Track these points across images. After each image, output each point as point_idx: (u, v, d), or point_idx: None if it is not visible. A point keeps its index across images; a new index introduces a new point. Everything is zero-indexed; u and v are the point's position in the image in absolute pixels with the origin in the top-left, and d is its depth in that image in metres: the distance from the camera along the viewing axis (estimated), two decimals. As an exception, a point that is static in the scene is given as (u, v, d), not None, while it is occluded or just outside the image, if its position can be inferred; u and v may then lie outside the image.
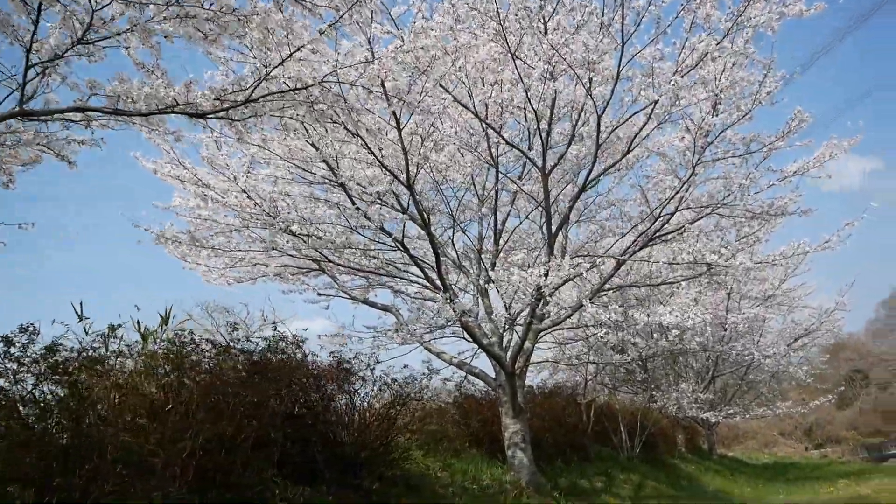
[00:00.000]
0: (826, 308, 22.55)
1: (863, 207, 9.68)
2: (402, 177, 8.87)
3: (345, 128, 8.46)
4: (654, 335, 17.92)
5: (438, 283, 10.00)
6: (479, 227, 12.42)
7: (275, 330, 8.36)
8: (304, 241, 8.92)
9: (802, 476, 26.74)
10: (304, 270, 12.11)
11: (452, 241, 12.05)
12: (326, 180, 9.80)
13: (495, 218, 11.49)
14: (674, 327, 10.36)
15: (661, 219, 11.31)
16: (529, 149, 10.69)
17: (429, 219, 9.54)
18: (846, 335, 57.09)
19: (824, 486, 20.56)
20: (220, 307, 17.58)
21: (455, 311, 9.60)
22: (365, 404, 9.41)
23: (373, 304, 12.52)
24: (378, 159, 8.83)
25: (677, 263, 10.58)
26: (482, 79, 9.27)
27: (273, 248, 9.72)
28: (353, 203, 9.32)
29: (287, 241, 9.72)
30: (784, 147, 10.10)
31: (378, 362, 9.35)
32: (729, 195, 10.87)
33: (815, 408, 25.57)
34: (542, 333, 11.99)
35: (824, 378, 33.79)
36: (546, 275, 9.19)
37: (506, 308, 11.08)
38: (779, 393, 28.93)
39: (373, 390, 9.20)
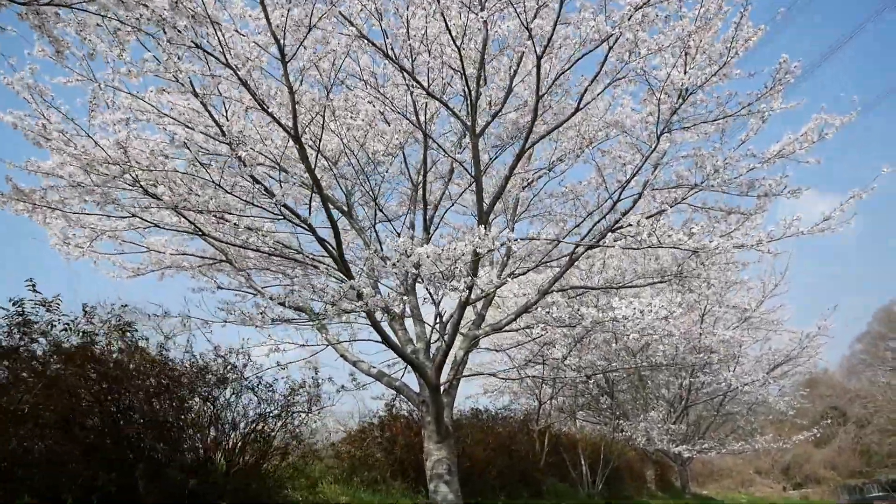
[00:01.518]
0: (807, 333, 20.64)
1: (829, 243, 7.74)
2: (289, 123, 6.82)
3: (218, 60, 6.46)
4: (615, 346, 15.87)
5: (346, 269, 7.89)
6: (407, 212, 10.37)
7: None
8: (157, 197, 6.76)
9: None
10: (210, 262, 9.94)
11: (374, 226, 9.98)
12: (212, 138, 7.71)
13: (424, 200, 9.42)
14: (634, 330, 8.32)
15: (621, 203, 9.36)
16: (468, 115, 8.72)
17: (347, 199, 7.45)
18: (821, 371, 55.70)
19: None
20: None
21: (366, 303, 7.48)
22: (234, 416, 7.23)
23: (293, 307, 10.35)
24: (257, 101, 6.80)
25: (637, 248, 8.60)
26: (396, 8, 7.30)
27: (131, 215, 7.56)
28: (244, 164, 7.22)
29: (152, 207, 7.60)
30: (767, 112, 8.21)
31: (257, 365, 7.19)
32: (704, 181, 8.97)
33: (796, 444, 23.53)
34: (477, 339, 9.89)
35: (802, 413, 31.92)
36: (476, 255, 7.15)
37: (434, 303, 8.97)
38: (757, 427, 26.84)
39: (239, 399, 7.03)
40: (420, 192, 9.67)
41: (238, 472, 6.89)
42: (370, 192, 9.60)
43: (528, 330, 12.36)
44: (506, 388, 18.41)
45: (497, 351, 12.47)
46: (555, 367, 13.14)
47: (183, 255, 9.23)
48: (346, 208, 10.04)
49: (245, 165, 6.61)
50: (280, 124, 6.87)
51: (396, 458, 10.65)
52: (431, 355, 9.53)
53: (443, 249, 6.30)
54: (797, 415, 29.35)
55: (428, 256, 6.06)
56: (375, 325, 8.00)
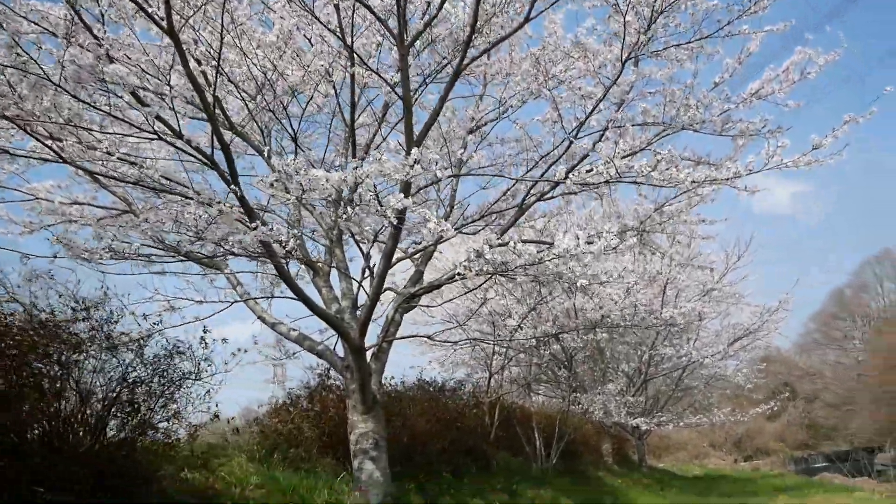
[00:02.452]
0: (768, 307, 19.76)
1: (793, 227, 6.54)
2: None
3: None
4: (575, 320, 14.71)
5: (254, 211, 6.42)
6: (344, 162, 8.90)
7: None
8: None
9: (737, 490, 23.89)
10: (115, 214, 8.34)
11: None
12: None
13: (352, 135, 7.95)
14: (583, 276, 6.99)
15: (580, 146, 8.05)
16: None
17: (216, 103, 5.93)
18: (775, 349, 55.93)
19: (762, 501, 17.63)
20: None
21: (259, 240, 6.05)
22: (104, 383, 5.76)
23: (197, 260, 8.83)
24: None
25: (598, 193, 7.34)
26: None
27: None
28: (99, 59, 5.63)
29: None
30: (749, 32, 6.92)
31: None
32: (673, 120, 7.67)
33: (752, 418, 22.80)
34: (412, 299, 8.54)
35: (757, 388, 31.39)
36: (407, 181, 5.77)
37: (362, 253, 7.59)
38: (714, 401, 26.13)
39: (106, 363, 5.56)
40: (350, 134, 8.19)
41: (102, 450, 5.45)
42: (289, 130, 8.07)
43: (475, 293, 11.10)
44: (460, 361, 17.18)
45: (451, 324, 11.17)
46: (506, 337, 11.89)
47: (76, 203, 7.61)
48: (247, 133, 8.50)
49: (99, 60, 5.06)
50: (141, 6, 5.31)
51: (325, 433, 9.28)
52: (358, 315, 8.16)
53: (348, 175, 4.89)
54: (753, 390, 28.80)
55: (327, 181, 4.63)
56: (283, 275, 6.57)
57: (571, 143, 7.71)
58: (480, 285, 9.97)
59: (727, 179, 6.27)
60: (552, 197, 8.49)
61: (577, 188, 8.21)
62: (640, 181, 6.65)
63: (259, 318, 8.54)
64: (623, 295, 17.09)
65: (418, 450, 10.42)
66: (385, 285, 8.26)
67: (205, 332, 6.38)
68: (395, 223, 6.61)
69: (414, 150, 5.40)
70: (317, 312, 7.03)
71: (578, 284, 5.73)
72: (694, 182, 6.24)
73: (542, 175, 8.20)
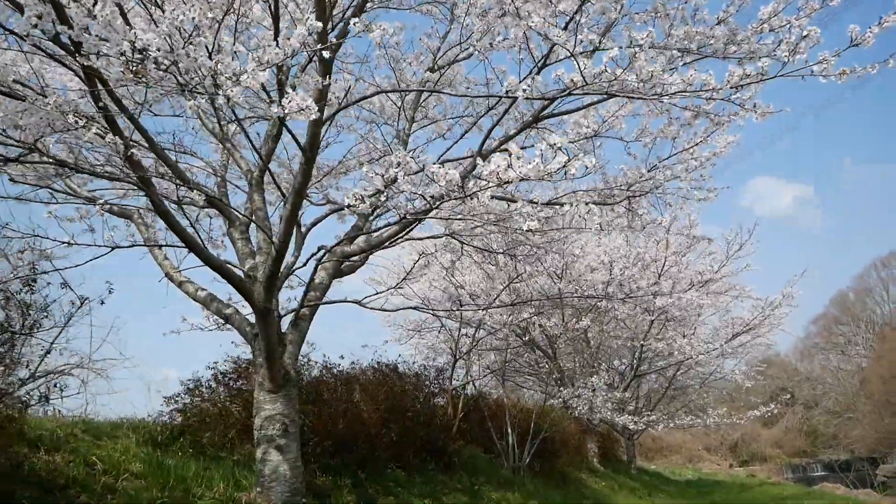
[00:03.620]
0: (771, 300, 18.30)
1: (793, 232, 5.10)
2: None
3: None
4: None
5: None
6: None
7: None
8: None
9: (731, 498, 22.52)
10: None
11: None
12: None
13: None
14: (535, 216, 5.54)
15: (549, 74, 6.59)
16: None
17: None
18: (773, 354, 54.54)
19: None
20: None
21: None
22: None
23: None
24: None
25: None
26: None
27: None
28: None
29: None
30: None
31: None
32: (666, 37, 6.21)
33: (749, 421, 21.44)
34: (350, 262, 7.10)
35: (755, 391, 29.99)
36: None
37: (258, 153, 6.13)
38: (709, 402, 24.72)
39: None
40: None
41: None
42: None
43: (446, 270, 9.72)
44: (433, 346, 15.79)
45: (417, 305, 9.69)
46: (452, 308, 10.45)
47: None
48: None
49: None
50: None
51: (243, 417, 7.87)
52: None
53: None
54: (750, 392, 27.38)
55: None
56: (159, 209, 5.13)
57: (540, 70, 6.27)
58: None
59: (732, 87, 4.79)
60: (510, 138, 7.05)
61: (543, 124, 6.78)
62: (613, 91, 5.22)
63: (165, 274, 7.13)
64: (606, 269, 15.66)
65: (360, 441, 9.02)
66: (312, 242, 6.86)
67: (34, 278, 4.98)
68: (306, 150, 5.18)
69: None
70: (208, 261, 5.62)
71: (525, 227, 4.32)
72: (685, 90, 4.77)
73: (505, 111, 6.76)
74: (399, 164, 4.19)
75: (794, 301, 18.58)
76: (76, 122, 3.95)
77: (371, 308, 6.50)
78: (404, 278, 6.31)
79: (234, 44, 3.60)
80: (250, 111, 7.57)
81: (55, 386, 6.03)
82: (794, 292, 18.07)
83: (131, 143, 5.30)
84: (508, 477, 12.29)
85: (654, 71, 4.44)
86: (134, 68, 3.47)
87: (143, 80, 4.07)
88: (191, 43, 3.35)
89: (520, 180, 3.87)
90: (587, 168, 3.89)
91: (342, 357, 9.99)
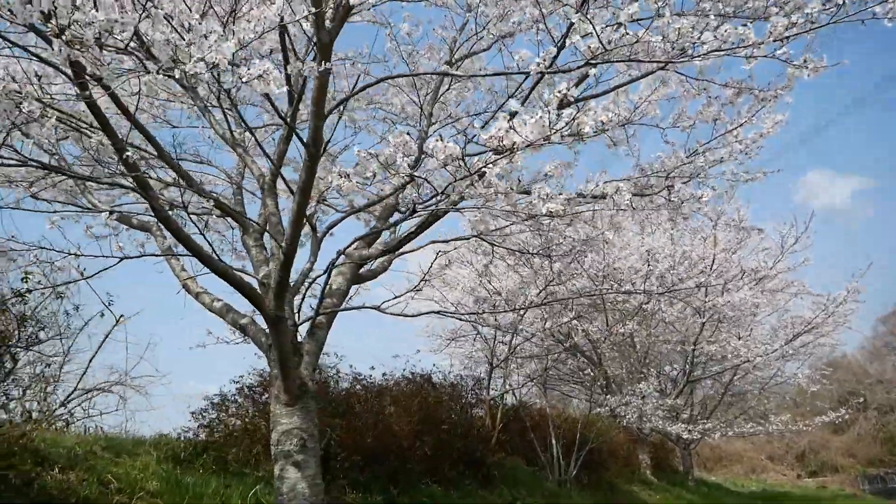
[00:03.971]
0: (834, 296, 17.29)
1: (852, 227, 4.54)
2: None
3: None
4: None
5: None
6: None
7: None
8: None
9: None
10: None
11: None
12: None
13: None
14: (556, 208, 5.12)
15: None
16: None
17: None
18: (840, 356, 52.07)
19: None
20: None
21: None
22: None
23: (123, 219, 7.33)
24: None
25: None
26: None
27: None
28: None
29: None
30: None
31: None
32: None
33: (815, 427, 20.33)
34: (368, 264, 6.82)
35: (821, 396, 28.59)
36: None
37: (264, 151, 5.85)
38: (771, 408, 23.56)
39: None
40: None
41: None
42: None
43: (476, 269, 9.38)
44: (477, 357, 15.38)
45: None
46: (481, 311, 10.05)
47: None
48: None
49: None
50: None
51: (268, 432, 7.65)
52: (293, 281, 6.52)
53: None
54: (816, 397, 25.99)
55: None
56: (161, 217, 4.93)
57: (559, 50, 5.89)
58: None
59: (776, 41, 4.21)
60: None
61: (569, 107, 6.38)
62: (638, 58, 4.79)
63: (182, 285, 6.99)
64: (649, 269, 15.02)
65: (392, 455, 8.71)
66: (340, 251, 6.63)
67: (26, 288, 4.83)
68: (310, 145, 4.93)
69: None
70: (216, 269, 5.41)
71: (545, 210, 3.95)
72: (719, 48, 4.22)
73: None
74: (396, 145, 3.89)
75: (861, 296, 17.55)
76: (41, 113, 3.75)
77: (391, 313, 6.18)
78: (423, 279, 5.99)
79: (202, 21, 3.35)
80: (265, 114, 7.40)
81: (89, 404, 5.84)
82: (860, 287, 17.04)
83: (127, 144, 5.14)
84: (553, 490, 11.79)
85: (682, 28, 4.00)
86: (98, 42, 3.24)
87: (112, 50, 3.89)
88: (148, 16, 3.11)
89: (526, 146, 3.51)
90: (602, 123, 3.50)
91: (373, 368, 9.73)
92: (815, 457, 46.57)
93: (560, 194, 4.23)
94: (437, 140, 3.71)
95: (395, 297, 6.18)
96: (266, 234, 6.54)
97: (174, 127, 8.28)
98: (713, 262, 17.02)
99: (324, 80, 4.65)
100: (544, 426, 12.41)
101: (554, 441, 12.28)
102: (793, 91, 6.85)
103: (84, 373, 10.37)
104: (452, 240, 8.19)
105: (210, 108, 6.80)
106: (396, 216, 6.87)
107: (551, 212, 3.98)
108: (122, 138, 4.79)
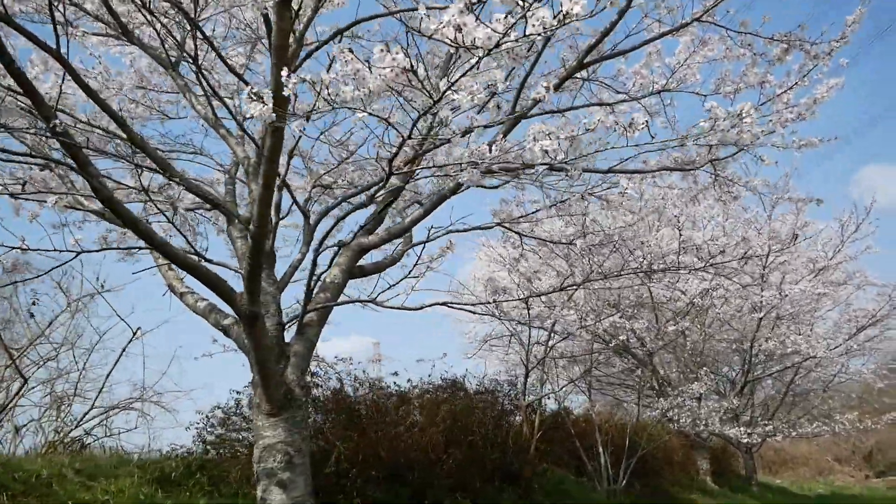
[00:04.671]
0: (901, 285, 15.49)
1: None
2: None
3: None
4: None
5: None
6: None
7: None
8: None
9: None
10: None
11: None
12: None
13: None
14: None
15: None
16: None
17: None
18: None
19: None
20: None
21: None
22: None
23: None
24: None
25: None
26: None
27: None
28: None
29: None
30: None
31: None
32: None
33: (885, 425, 18.31)
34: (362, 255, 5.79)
35: (888, 393, 26.22)
36: None
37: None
38: (836, 408, 21.52)
39: None
40: None
41: None
42: None
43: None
44: (513, 360, 14.19)
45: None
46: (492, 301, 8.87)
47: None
48: None
49: None
50: None
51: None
52: (282, 275, 5.55)
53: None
54: (883, 394, 23.77)
55: None
56: (105, 199, 4.04)
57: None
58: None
59: None
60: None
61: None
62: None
63: (168, 285, 6.11)
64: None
65: (416, 469, 7.63)
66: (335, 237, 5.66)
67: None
68: (275, 115, 3.96)
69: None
70: (175, 258, 4.48)
71: (538, 151, 2.86)
72: None
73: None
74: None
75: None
76: None
77: (388, 307, 5.16)
78: (416, 263, 4.91)
79: None
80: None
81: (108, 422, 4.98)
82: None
83: (101, 130, 4.29)
84: (602, 501, 10.51)
85: None
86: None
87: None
88: None
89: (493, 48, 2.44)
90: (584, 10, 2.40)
91: (396, 374, 8.69)
92: (883, 456, 43.42)
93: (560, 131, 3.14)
94: (381, 50, 2.66)
95: (390, 286, 5.13)
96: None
97: (170, 118, 7.47)
98: (768, 254, 15.46)
99: (283, 19, 3.68)
100: (591, 433, 11.14)
101: (601, 449, 11.01)
102: (849, 55, 5.58)
103: (101, 389, 9.66)
104: (472, 228, 7.13)
105: (190, 85, 5.93)
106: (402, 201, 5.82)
107: (548, 153, 2.87)
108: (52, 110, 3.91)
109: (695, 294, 14.03)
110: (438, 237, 6.46)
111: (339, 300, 5.34)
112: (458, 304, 4.89)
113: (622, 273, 6.69)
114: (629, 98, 6.47)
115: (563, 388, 10.38)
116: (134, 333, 9.96)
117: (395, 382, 8.52)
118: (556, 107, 5.64)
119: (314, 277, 5.11)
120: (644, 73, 6.53)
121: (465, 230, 7.11)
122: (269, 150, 4.13)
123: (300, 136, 5.83)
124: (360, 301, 5.22)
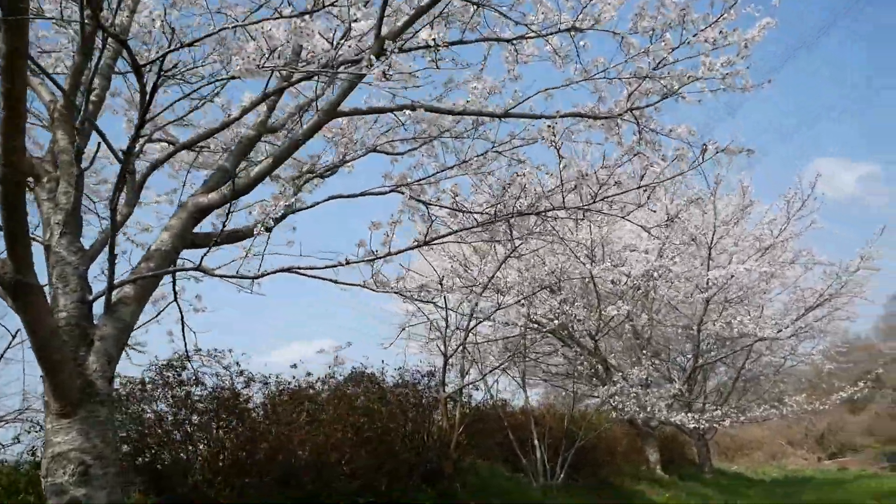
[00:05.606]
0: (846, 265, 14.88)
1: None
2: None
3: None
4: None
5: None
6: None
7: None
8: None
9: (823, 499, 18.77)
10: None
11: None
12: None
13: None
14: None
15: None
16: None
17: None
18: (855, 337, 49.04)
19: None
20: None
21: None
22: None
23: None
24: None
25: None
26: None
27: None
28: None
29: None
30: None
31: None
32: None
33: (832, 407, 17.78)
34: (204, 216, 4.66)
35: (837, 377, 25.98)
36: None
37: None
38: (786, 390, 21.02)
39: None
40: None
41: None
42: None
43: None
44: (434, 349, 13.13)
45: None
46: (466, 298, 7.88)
47: None
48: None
49: None
50: None
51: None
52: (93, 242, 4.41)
53: None
54: (832, 376, 23.43)
55: None
56: None
57: None
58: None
59: None
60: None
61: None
62: None
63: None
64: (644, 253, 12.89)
65: (311, 473, 6.53)
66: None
67: None
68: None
69: None
70: None
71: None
72: None
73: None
74: None
75: (875, 264, 15.11)
76: None
77: (219, 276, 4.06)
78: (260, 224, 3.77)
79: None
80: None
81: None
82: (874, 252, 14.64)
83: None
84: (536, 498, 9.53)
85: None
86: None
87: None
88: None
89: None
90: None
91: (294, 366, 7.55)
92: (834, 438, 43.79)
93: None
94: None
95: (247, 255, 3.96)
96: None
97: None
98: (713, 234, 14.73)
99: None
100: (523, 426, 10.16)
101: (537, 441, 10.03)
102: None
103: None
104: (361, 194, 6.08)
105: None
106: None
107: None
108: None
109: (638, 276, 13.21)
110: (318, 203, 5.40)
111: (155, 272, 4.18)
112: (306, 269, 3.81)
113: (496, 219, 5.64)
114: (533, 33, 5.47)
115: (486, 377, 9.31)
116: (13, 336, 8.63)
117: (293, 377, 7.40)
118: (443, 39, 4.61)
119: (114, 241, 3.97)
120: (548, 3, 5.52)
121: (353, 195, 6.07)
122: (8, 47, 2.99)
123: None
124: (184, 270, 4.12)
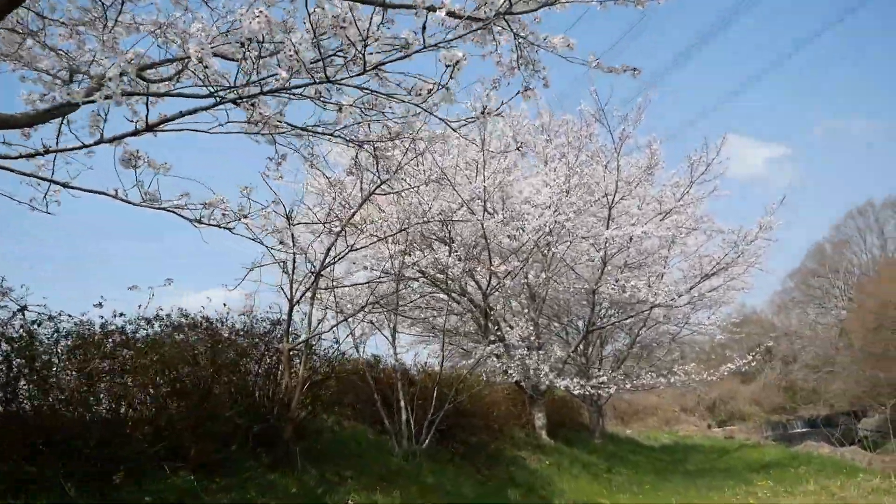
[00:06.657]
0: (745, 233, 14.70)
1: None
2: None
3: None
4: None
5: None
6: None
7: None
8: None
9: (706, 467, 19.15)
10: None
11: None
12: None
13: None
14: None
15: None
16: None
17: None
18: (750, 311, 51.39)
19: (736, 491, 12.70)
20: None
21: None
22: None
23: None
24: None
25: None
26: None
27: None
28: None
29: None
30: None
31: None
32: None
33: (722, 376, 17.99)
34: None
35: (730, 348, 26.75)
36: None
37: None
38: (678, 359, 21.20)
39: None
40: None
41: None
42: None
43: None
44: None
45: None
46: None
47: None
48: None
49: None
50: None
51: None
52: None
53: None
54: (726, 347, 24.00)
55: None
56: None
57: None
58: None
59: None
60: None
61: None
62: None
63: None
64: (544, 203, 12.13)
65: (98, 436, 5.35)
66: None
67: None
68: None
69: None
70: None
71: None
72: None
73: None
74: None
75: (772, 234, 15.02)
76: None
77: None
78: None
79: None
80: None
81: None
82: (773, 222, 14.50)
83: None
84: (397, 465, 8.69)
85: None
86: None
87: None
88: None
89: None
90: None
91: (99, 304, 6.23)
92: (724, 407, 45.96)
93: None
94: None
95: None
96: None
97: None
98: (615, 193, 14.18)
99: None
100: (389, 387, 9.25)
101: (403, 402, 9.15)
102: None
103: None
104: (165, 121, 4.80)
105: None
106: None
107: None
108: None
109: (533, 231, 12.48)
110: (160, 127, 4.13)
111: None
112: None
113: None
114: None
115: (340, 323, 8.26)
116: None
117: (83, 319, 6.07)
118: None
119: None
120: None
121: (161, 124, 4.79)
122: None
123: None
124: None
